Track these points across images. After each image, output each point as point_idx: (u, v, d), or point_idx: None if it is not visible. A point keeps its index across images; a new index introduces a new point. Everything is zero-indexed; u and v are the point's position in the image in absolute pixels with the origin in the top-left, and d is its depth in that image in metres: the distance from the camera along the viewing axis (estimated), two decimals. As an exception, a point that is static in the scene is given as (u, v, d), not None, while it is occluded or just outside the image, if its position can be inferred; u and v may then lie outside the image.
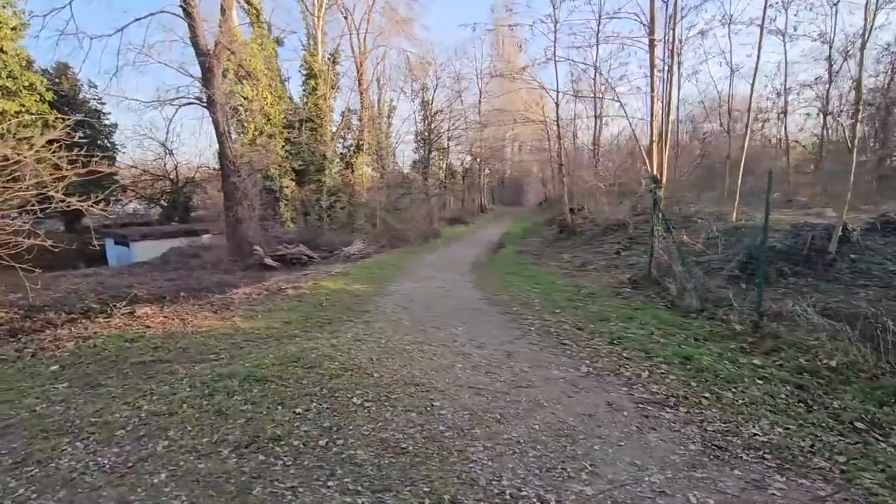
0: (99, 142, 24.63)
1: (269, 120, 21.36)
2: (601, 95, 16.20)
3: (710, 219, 11.51)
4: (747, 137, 12.58)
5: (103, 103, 25.84)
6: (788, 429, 3.67)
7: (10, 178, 6.92)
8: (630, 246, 12.92)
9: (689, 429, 3.74)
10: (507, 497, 2.84)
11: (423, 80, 30.98)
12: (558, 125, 18.64)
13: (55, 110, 17.42)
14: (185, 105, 17.21)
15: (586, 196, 20.81)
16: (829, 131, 19.52)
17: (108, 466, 3.12)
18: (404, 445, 3.41)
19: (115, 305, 7.62)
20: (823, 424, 3.72)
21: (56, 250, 7.08)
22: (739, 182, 11.78)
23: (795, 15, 13.56)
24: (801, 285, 7.15)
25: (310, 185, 24.07)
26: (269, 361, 5.03)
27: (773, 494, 2.89)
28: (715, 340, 5.69)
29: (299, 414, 3.86)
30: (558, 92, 17.89)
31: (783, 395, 4.22)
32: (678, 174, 17.42)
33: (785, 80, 17.65)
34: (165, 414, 3.85)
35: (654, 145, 9.80)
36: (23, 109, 16.31)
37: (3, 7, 16.55)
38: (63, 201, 7.08)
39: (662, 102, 9.91)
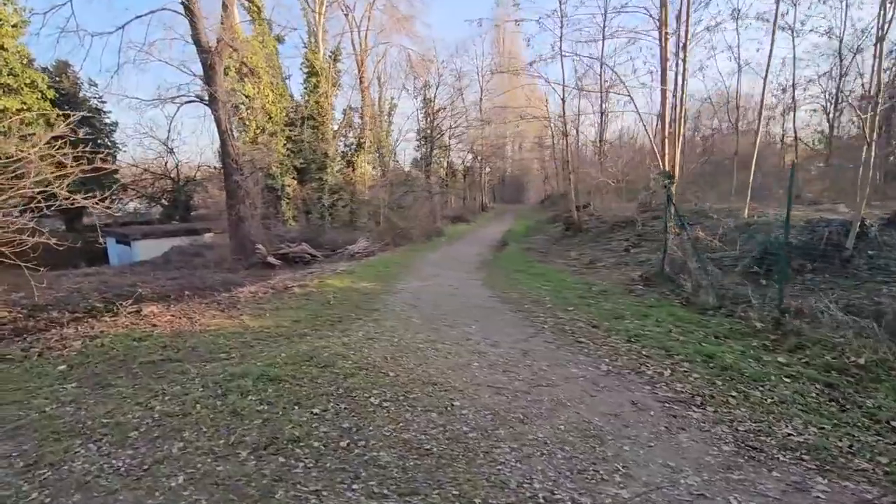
0: (100, 140, 24.51)
1: (270, 118, 21.23)
2: (608, 90, 15.99)
3: (721, 215, 11.41)
4: (759, 132, 12.46)
5: (104, 102, 25.74)
6: (823, 429, 3.56)
7: (13, 175, 6.80)
8: (639, 243, 12.80)
9: (719, 428, 3.63)
10: (541, 500, 2.73)
11: (426, 77, 30.82)
12: (564, 121, 18.50)
13: (56, 108, 17.30)
14: (186, 103, 17.14)
15: (592, 193, 20.69)
16: (837, 127, 19.42)
17: (123, 469, 3.01)
18: (428, 447, 3.30)
19: (120, 304, 7.49)
20: (859, 424, 3.60)
21: (60, 249, 6.97)
22: (752, 178, 11.66)
23: (809, 7, 13.44)
24: (818, 282, 7.03)
25: (311, 183, 23.95)
26: (282, 360, 4.92)
27: (818, 497, 2.78)
28: (735, 338, 5.58)
29: (317, 414, 3.75)
30: (564, 87, 17.76)
31: (813, 394, 4.11)
32: (685, 171, 17.28)
33: (794, 76, 17.56)
34: (179, 415, 3.74)
35: (666, 140, 9.68)
36: (24, 107, 16.18)
37: (4, 4, 16.42)
38: (67, 199, 6.96)
39: (677, 97, 9.78)
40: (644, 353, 5.33)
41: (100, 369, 4.83)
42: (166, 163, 29.83)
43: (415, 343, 5.79)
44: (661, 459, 3.19)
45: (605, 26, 14.42)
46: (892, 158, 18.44)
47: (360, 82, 28.74)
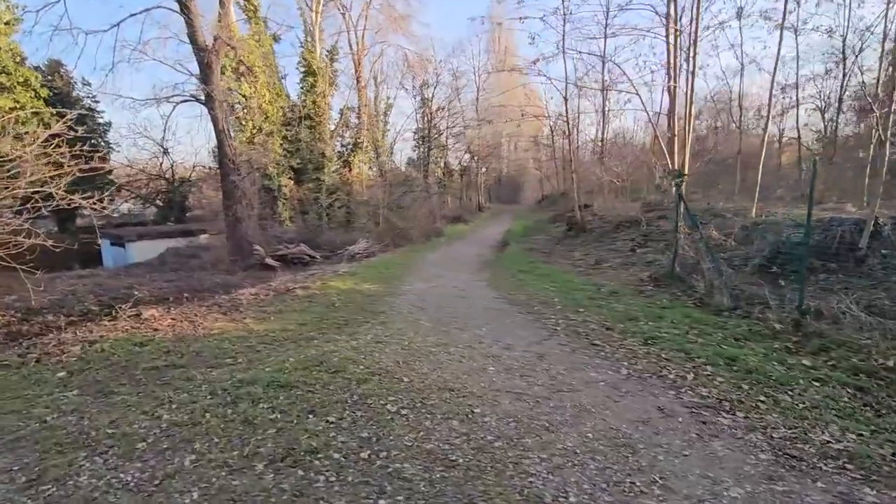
0: (93, 140, 24.15)
1: (267, 117, 21.00)
2: (611, 88, 15.90)
3: (728, 213, 11.31)
4: (767, 131, 12.39)
5: (97, 101, 25.39)
6: (861, 435, 3.43)
7: (8, 175, 6.59)
8: (645, 243, 12.68)
9: (753, 436, 3.49)
10: (580, 516, 2.58)
11: (424, 76, 30.69)
12: (567, 120, 18.39)
13: (49, 107, 17.00)
14: (182, 102, 16.85)
15: (595, 192, 20.57)
16: (835, 127, 19.40)
17: (132, 484, 2.83)
18: (453, 458, 3.14)
19: (119, 307, 7.28)
20: (898, 430, 3.48)
21: (57, 250, 6.77)
22: (759, 177, 11.58)
23: (817, 5, 13.36)
24: (832, 281, 6.94)
25: (308, 183, 23.72)
26: (291, 366, 4.75)
27: (869, 510, 2.65)
28: (756, 340, 5.45)
29: (333, 423, 3.58)
30: (567, 84, 17.64)
31: (845, 398, 3.98)
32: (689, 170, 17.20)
33: (797, 75, 17.50)
34: (188, 424, 3.56)
35: (675, 138, 9.58)
36: (17, 105, 15.88)
37: (-4, 2, 16.10)
38: (64, 199, 6.75)
39: (686, 94, 9.68)
40: (663, 356, 5.19)
41: (101, 376, 4.63)
42: (161, 163, 29.48)
43: (426, 346, 5.63)
44: (698, 470, 3.05)
45: (607, 24, 14.28)
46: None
47: (357, 82, 28.55)
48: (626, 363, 5.07)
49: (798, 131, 19.50)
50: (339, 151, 27.21)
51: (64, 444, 3.30)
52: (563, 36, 15.53)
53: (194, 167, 29.76)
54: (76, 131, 7.28)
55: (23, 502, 2.66)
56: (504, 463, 3.09)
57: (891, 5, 7.21)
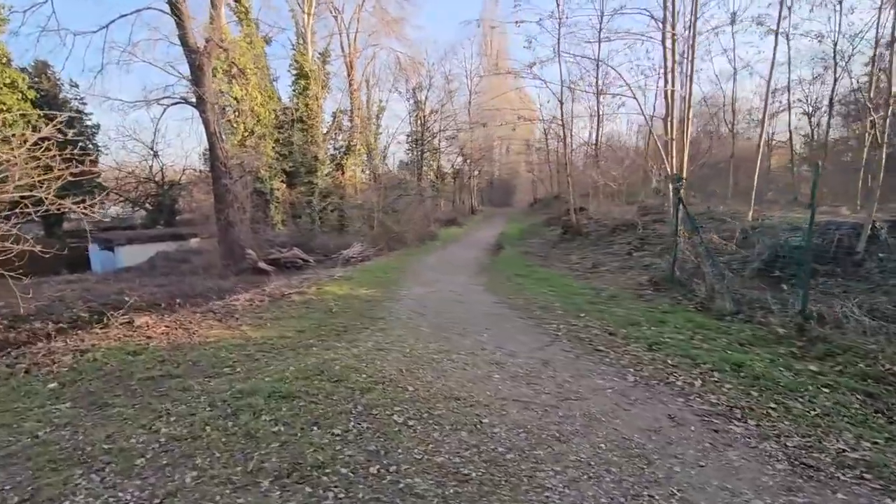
0: (81, 143, 23.78)
1: (258, 120, 20.81)
2: (606, 92, 15.95)
3: (727, 217, 11.34)
4: (763, 136, 12.46)
5: (84, 103, 25.00)
6: (877, 443, 3.39)
7: (-3, 178, 6.40)
8: (641, 247, 12.69)
9: (767, 444, 3.44)
10: (601, 533, 2.50)
11: (417, 79, 30.65)
12: (563, 123, 18.43)
13: (37, 109, 16.70)
14: (172, 105, 16.63)
15: (590, 196, 20.61)
16: (822, 131, 19.61)
17: (132, 503, 2.70)
18: (465, 471, 3.04)
19: (111, 314, 7.09)
20: (913, 437, 3.44)
21: (47, 256, 6.58)
22: (756, 180, 11.64)
23: (810, 11, 13.51)
24: (831, 285, 6.95)
25: (301, 187, 23.56)
26: (291, 375, 4.62)
27: (894, 522, 2.60)
28: (761, 345, 5.42)
29: (339, 436, 3.47)
30: (563, 87, 17.66)
31: (856, 405, 3.95)
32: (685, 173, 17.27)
33: (789, 80, 17.68)
34: (187, 438, 3.43)
35: (673, 142, 9.58)
36: (4, 108, 15.57)
37: (-19, 2, 15.79)
38: (54, 203, 6.58)
39: (684, 97, 9.69)
40: (669, 361, 5.14)
41: (94, 387, 4.48)
42: (151, 166, 29.08)
43: (428, 354, 5.53)
44: (716, 481, 2.98)
45: (601, 28, 14.33)
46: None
47: (350, 85, 28.47)
48: (632, 370, 5.01)
49: (790, 134, 19.71)
50: (331, 155, 27.09)
51: (58, 460, 3.15)
52: (559, 40, 15.56)
53: (184, 170, 29.44)
54: (66, 134, 7.12)
55: (16, 525, 2.53)
56: (518, 476, 3.01)
57: (882, 10, 7.27)
